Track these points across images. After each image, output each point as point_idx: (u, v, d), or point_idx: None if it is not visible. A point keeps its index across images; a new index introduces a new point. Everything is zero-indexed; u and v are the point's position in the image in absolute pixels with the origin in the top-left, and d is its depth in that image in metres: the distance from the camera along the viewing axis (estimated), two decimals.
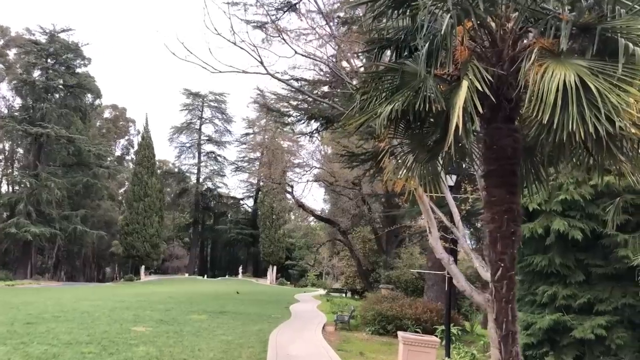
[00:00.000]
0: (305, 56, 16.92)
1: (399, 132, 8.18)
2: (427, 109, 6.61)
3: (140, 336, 16.26)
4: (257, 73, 15.64)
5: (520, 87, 6.18)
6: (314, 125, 25.68)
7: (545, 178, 8.25)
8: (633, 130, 6.46)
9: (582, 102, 5.47)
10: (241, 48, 15.28)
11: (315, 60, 17.60)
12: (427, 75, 6.41)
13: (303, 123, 25.16)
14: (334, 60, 18.48)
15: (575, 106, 5.45)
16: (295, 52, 16.12)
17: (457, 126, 5.77)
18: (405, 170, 8.42)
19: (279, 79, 15.33)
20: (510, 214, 6.96)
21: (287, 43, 15.21)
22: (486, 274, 12.55)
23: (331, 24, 17.32)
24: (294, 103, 25.07)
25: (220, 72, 14.56)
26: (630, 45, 5.63)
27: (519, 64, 6.27)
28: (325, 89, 26.61)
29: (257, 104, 26.82)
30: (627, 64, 5.64)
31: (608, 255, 14.31)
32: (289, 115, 25.92)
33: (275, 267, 78.36)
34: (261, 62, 15.48)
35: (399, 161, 8.61)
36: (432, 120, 7.80)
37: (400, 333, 13.77)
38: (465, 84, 5.71)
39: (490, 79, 5.90)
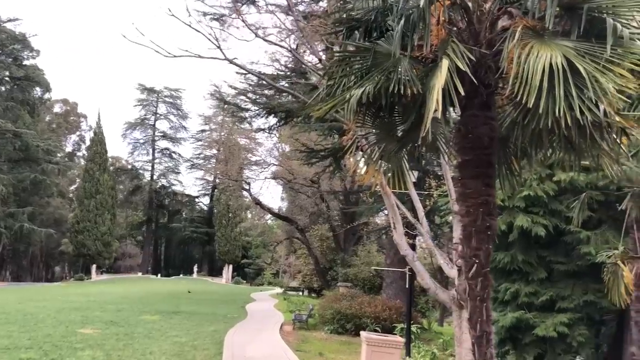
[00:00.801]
0: (267, 41, 16.22)
1: (367, 121, 7.71)
2: (400, 94, 6.14)
3: (87, 339, 15.33)
4: (213, 58, 14.83)
5: (502, 71, 5.77)
6: (273, 120, 25.04)
7: (518, 172, 7.89)
8: (617, 119, 6.16)
9: (569, 86, 5.08)
10: (197, 31, 14.49)
11: (277, 45, 16.92)
12: (401, 56, 5.93)
13: (262, 117, 24.50)
14: (296, 49, 17.88)
15: (562, 89, 5.04)
16: (256, 35, 15.39)
17: (435, 110, 5.29)
18: (372, 162, 7.96)
19: (237, 65, 14.67)
20: (485, 207, 6.54)
21: (247, 26, 14.51)
22: (451, 271, 12.23)
23: (292, 14, 16.72)
24: (253, 97, 24.37)
25: (175, 56, 13.77)
26: (618, 25, 5.26)
27: (499, 46, 5.87)
28: (285, 83, 26.02)
29: (213, 98, 25.93)
30: (615, 45, 5.27)
31: (570, 252, 14.24)
32: (247, 110, 25.18)
33: (231, 266, 77.29)
34: (218, 47, 14.74)
35: (367, 152, 8.15)
36: (402, 108, 7.36)
37: (363, 334, 13.33)
38: (445, 63, 5.25)
39: (473, 58, 5.45)
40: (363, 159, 8.26)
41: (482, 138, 6.51)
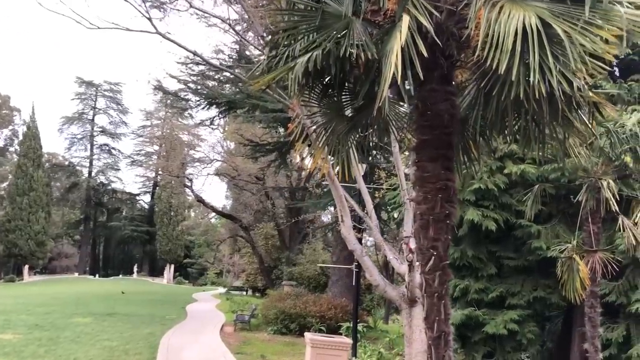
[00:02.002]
0: (202, 11, 15.05)
1: (313, 99, 6.95)
2: (352, 64, 5.42)
3: (4, 345, 13.93)
4: (144, 31, 13.60)
5: (464, 38, 5.10)
6: (215, 111, 23.93)
7: (476, 157, 7.28)
8: (590, 93, 5.61)
9: (545, 50, 4.43)
10: (126, 0, 13.24)
11: (214, 16, 15.76)
12: (353, 18, 5.19)
13: (203, 109, 23.35)
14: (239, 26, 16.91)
15: (537, 54, 4.39)
16: (190, 5, 14.26)
17: (393, 78, 4.56)
18: (319, 147, 7.18)
19: (171, 40, 13.50)
20: (445, 192, 5.87)
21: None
22: (400, 267, 11.61)
23: None
24: (194, 87, 23.20)
25: (99, 27, 12.57)
26: None
27: (463, 9, 5.19)
28: (229, 74, 24.95)
29: (153, 87, 24.57)
30: (594, 8, 4.66)
31: (520, 247, 13.90)
32: (187, 100, 23.97)
33: (172, 266, 75.16)
34: (149, 18, 13.53)
35: (313, 136, 7.38)
36: (353, 84, 6.64)
37: (307, 335, 12.54)
38: (406, 19, 4.52)
39: (438, 14, 4.74)
40: (309, 145, 7.50)
41: (442, 115, 5.84)
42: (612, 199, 9.37)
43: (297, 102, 7.57)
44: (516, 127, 6.51)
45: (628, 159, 11.26)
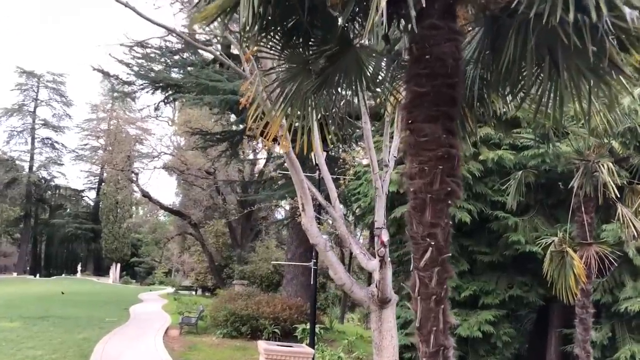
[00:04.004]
0: None
1: (273, 50, 5.48)
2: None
3: None
4: None
5: None
6: (160, 96, 22.06)
7: (472, 129, 5.95)
8: None
9: None
10: None
11: None
12: None
13: (148, 92, 21.44)
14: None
15: None
16: None
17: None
18: (280, 109, 5.71)
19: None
20: (447, 163, 4.48)
21: None
22: (369, 263, 10.19)
23: None
24: (137, 69, 21.25)
25: None
26: None
27: None
28: (176, 57, 23.14)
29: (93, 69, 22.43)
30: None
31: (495, 241, 12.76)
32: (131, 84, 22.01)
33: (119, 265, 72.16)
34: None
35: (271, 95, 5.90)
36: (323, 30, 5.22)
37: (261, 345, 10.97)
38: None
39: None
40: (266, 106, 6.00)
41: (444, 60, 4.44)
42: (612, 183, 8.21)
43: (251, 52, 6.05)
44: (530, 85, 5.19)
45: (616, 144, 10.24)
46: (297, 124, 6.04)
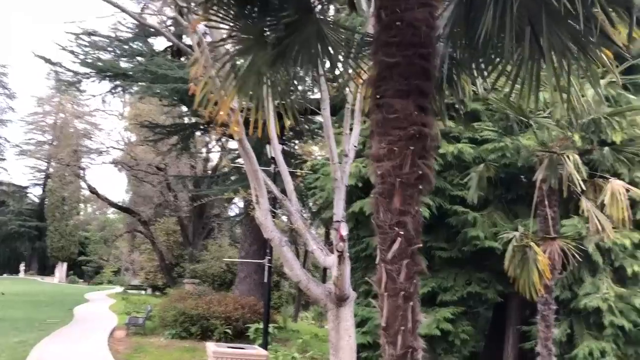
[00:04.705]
0: None
1: (225, 19, 4.94)
2: None
3: None
4: None
5: None
6: (108, 86, 21.03)
7: (439, 108, 5.54)
8: None
9: None
10: None
11: None
12: None
13: (94, 81, 20.38)
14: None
15: None
16: None
17: None
18: (232, 85, 5.16)
19: None
20: (418, 143, 4.01)
21: None
22: (326, 259, 9.68)
23: None
24: (84, 57, 20.18)
25: None
26: None
27: None
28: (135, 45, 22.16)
29: (35, 55, 21.23)
30: None
31: (453, 236, 12.49)
32: (76, 73, 20.88)
33: (65, 264, 69.76)
34: None
35: (222, 70, 5.34)
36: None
37: (210, 347, 10.34)
38: None
39: None
40: (215, 86, 5.42)
41: (417, 28, 3.97)
42: (577, 175, 7.97)
43: (198, 21, 5.46)
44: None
45: (576, 137, 10.07)
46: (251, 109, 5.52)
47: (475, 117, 12.65)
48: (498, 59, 4.94)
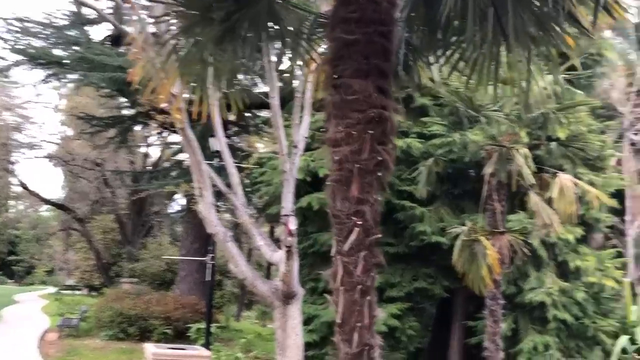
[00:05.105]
0: None
1: None
2: None
3: None
4: None
5: None
6: (42, 75, 19.94)
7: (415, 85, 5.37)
8: None
9: None
10: None
11: None
12: None
13: (25, 69, 19.27)
14: None
15: None
16: None
17: None
18: (174, 63, 4.77)
19: None
20: (378, 127, 3.78)
21: None
22: (273, 255, 9.36)
23: None
24: (13, 44, 19.05)
25: None
26: None
27: None
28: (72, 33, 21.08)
29: None
30: None
31: (401, 232, 12.40)
32: (5, 59, 19.72)
33: None
34: None
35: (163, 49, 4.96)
36: None
37: (149, 348, 9.84)
38: None
39: None
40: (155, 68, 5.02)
41: (378, 4, 3.71)
42: (528, 169, 7.96)
43: None
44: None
45: (523, 133, 10.13)
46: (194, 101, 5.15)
47: (423, 112, 12.62)
48: (456, 46, 4.75)
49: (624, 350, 12.63)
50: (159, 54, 4.97)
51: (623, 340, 12.56)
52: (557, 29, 3.77)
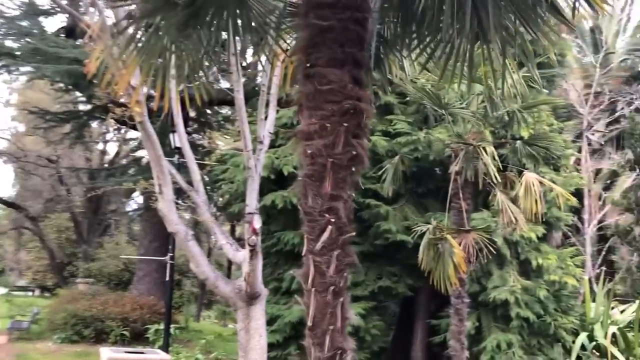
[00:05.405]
0: None
1: None
2: None
3: None
4: None
5: None
6: None
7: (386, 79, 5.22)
8: None
9: None
10: None
11: None
12: None
13: None
14: None
15: None
16: None
17: None
18: (132, 54, 4.50)
19: None
20: (352, 120, 3.59)
21: None
22: (236, 254, 9.08)
23: None
24: None
25: None
26: None
27: None
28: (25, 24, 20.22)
29: None
30: None
31: (365, 230, 12.28)
32: None
33: None
34: None
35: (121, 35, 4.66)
36: None
37: (105, 353, 9.40)
38: None
39: None
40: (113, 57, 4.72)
41: None
42: (493, 166, 7.93)
43: None
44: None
45: (487, 131, 10.14)
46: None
47: (388, 110, 12.54)
48: (430, 38, 4.60)
49: (582, 347, 12.87)
50: (117, 42, 4.65)
51: (582, 337, 12.80)
52: (538, 20, 3.66)
